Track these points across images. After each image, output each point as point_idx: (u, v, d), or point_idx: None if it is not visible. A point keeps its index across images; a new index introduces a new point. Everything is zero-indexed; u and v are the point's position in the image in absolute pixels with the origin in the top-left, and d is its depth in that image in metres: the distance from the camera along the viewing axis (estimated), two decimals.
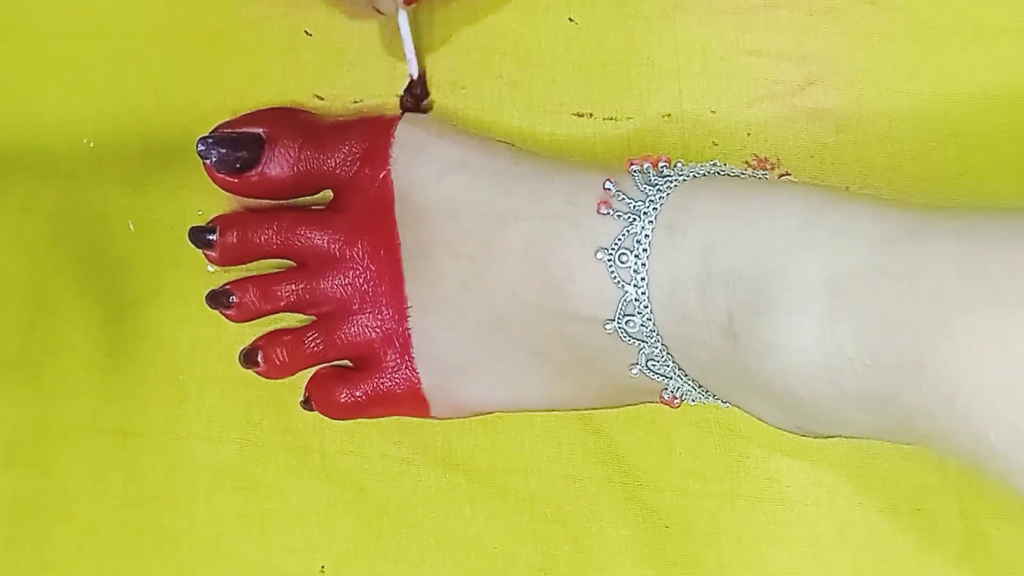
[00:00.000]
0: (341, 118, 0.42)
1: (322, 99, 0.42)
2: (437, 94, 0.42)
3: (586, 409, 0.41)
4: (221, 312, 0.41)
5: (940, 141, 0.38)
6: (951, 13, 0.38)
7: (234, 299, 0.40)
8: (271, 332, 0.41)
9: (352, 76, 0.42)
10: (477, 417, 0.42)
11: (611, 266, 0.34)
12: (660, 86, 0.40)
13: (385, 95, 0.42)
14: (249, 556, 0.44)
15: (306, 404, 0.41)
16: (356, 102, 0.42)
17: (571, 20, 0.40)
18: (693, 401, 0.37)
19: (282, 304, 0.40)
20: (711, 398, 0.36)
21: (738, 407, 0.36)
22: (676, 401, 0.37)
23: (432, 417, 0.41)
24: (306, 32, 0.42)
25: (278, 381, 0.42)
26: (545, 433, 0.42)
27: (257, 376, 0.41)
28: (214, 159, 0.39)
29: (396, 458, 0.43)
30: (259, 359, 0.41)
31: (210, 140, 0.40)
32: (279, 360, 0.41)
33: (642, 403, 0.39)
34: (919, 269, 0.29)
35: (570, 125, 0.41)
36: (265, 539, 0.44)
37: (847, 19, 0.38)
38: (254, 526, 0.44)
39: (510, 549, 0.42)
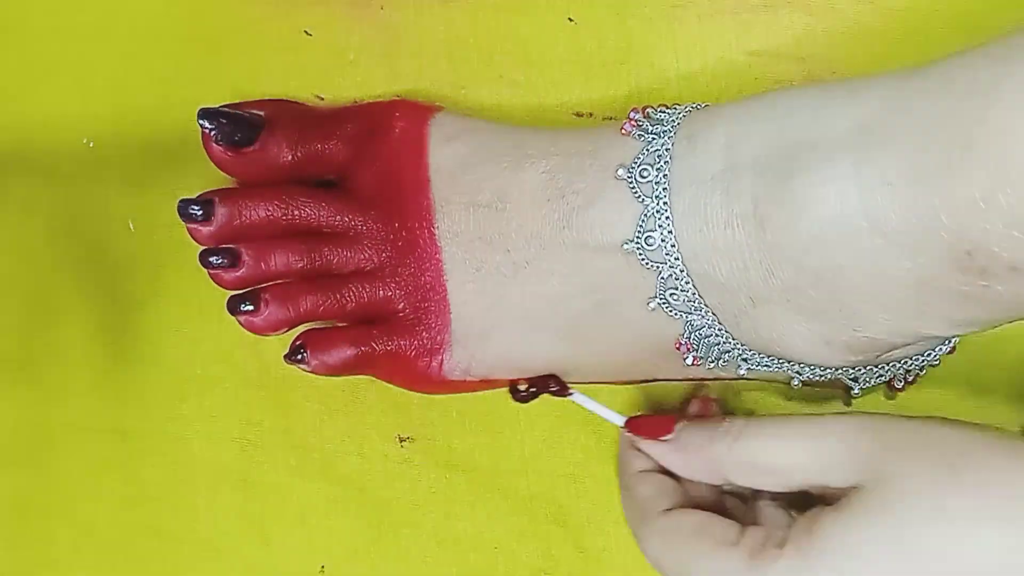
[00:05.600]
0: (344, 105, 0.42)
1: (322, 99, 0.42)
2: (437, 94, 0.42)
3: (593, 382, 0.40)
4: (218, 272, 0.39)
5: None
6: (951, 13, 0.38)
7: (245, 257, 0.38)
8: (277, 284, 0.39)
9: (352, 76, 0.42)
10: (478, 417, 0.42)
11: (631, 182, 0.34)
12: (660, 86, 0.40)
13: (385, 95, 0.42)
14: (249, 556, 0.44)
15: (292, 356, 0.39)
16: (356, 102, 0.42)
17: (571, 20, 0.40)
18: (712, 361, 0.36)
19: (298, 268, 0.38)
20: (730, 340, 0.35)
21: (762, 346, 0.35)
22: (694, 355, 0.36)
23: (434, 381, 0.39)
24: (306, 32, 0.42)
25: (278, 382, 0.42)
26: (545, 433, 0.42)
27: (257, 375, 0.41)
28: (214, 129, 0.38)
29: (396, 458, 0.43)
30: (260, 302, 0.38)
31: (212, 110, 0.38)
32: (291, 309, 0.38)
33: (650, 381, 0.39)
34: (950, 77, 0.29)
35: (570, 125, 0.41)
36: (265, 539, 0.44)
37: (847, 19, 0.38)
38: (254, 526, 0.44)
39: (510, 549, 0.42)
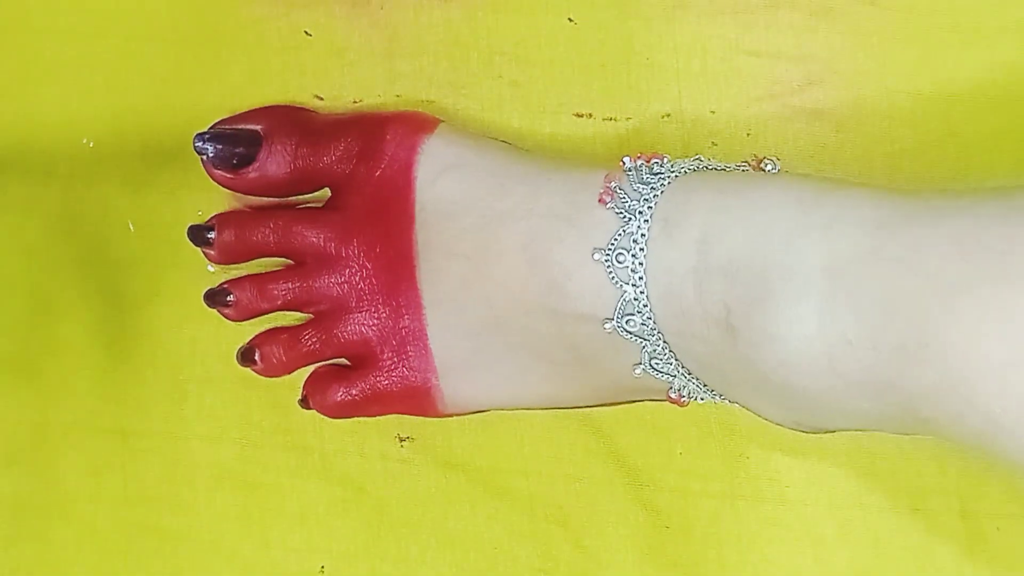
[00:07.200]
0: (338, 115, 0.42)
1: (322, 99, 0.42)
2: (437, 93, 0.42)
3: (586, 407, 0.41)
4: (219, 311, 0.41)
5: (940, 141, 0.38)
6: (951, 13, 0.38)
7: (232, 298, 0.41)
8: (268, 330, 0.41)
9: (352, 76, 0.42)
10: (477, 417, 0.42)
11: (608, 267, 0.35)
12: (660, 86, 0.40)
13: (385, 95, 0.42)
14: (249, 556, 0.44)
15: (304, 403, 0.41)
16: (356, 102, 0.42)
17: (571, 20, 0.40)
18: (701, 399, 0.37)
19: (279, 303, 0.40)
20: (716, 396, 0.36)
21: (737, 403, 0.36)
22: (684, 399, 0.37)
23: (429, 415, 0.41)
24: (306, 32, 0.42)
25: (278, 381, 0.42)
26: (545, 433, 0.42)
27: (256, 375, 0.41)
28: (211, 155, 0.40)
29: (396, 458, 0.43)
30: (256, 357, 0.41)
31: (207, 136, 0.40)
32: (276, 359, 0.41)
33: (645, 400, 0.39)
34: (919, 251, 0.29)
35: (570, 125, 0.41)
36: (265, 539, 0.44)
37: (847, 19, 0.38)
38: (254, 526, 0.44)
39: (510, 549, 0.42)
